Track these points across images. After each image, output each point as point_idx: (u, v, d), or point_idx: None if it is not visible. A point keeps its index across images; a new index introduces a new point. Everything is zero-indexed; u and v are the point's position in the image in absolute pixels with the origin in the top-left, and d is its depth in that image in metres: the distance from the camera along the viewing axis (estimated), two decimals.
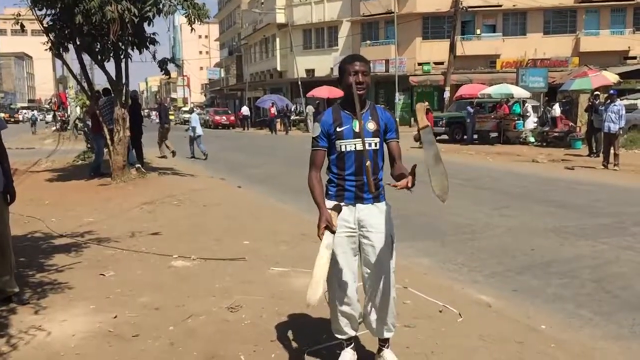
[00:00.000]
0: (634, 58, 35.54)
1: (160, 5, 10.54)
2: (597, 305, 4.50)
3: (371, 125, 3.11)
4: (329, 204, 3.16)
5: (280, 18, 45.12)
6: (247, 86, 50.05)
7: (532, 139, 21.24)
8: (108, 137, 11.00)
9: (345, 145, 3.09)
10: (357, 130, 3.08)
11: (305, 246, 6.31)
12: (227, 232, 6.99)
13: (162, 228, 7.23)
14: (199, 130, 17.59)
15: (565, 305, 4.53)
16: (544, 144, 20.38)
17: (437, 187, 2.85)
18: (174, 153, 17.28)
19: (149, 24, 11.17)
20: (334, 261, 3.17)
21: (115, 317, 4.15)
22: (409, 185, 2.83)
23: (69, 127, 28.28)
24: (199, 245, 6.34)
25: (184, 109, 61.80)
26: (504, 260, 5.83)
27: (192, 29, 11.04)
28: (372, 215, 3.13)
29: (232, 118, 44.49)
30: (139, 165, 12.01)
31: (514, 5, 36.24)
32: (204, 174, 13.43)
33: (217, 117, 44.38)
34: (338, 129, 3.09)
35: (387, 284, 3.14)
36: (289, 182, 11.92)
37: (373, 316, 3.20)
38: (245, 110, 42.35)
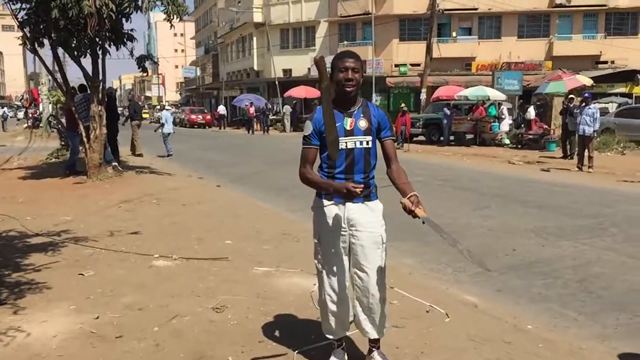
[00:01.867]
0: (606, 62, 36.17)
1: (139, 1, 10.40)
2: (581, 305, 4.54)
3: (362, 123, 3.07)
4: (319, 202, 3.12)
5: (258, 17, 44.88)
6: (223, 85, 49.73)
7: (507, 141, 21.50)
8: (84, 134, 10.79)
9: None
10: (348, 128, 3.04)
11: (288, 245, 6.29)
12: (209, 232, 6.90)
13: (141, 227, 7.10)
14: (168, 129, 17.44)
15: (550, 305, 4.56)
16: (519, 146, 20.65)
17: (475, 261, 3.10)
18: (140, 155, 17.01)
19: (126, 20, 11.02)
20: (323, 260, 3.14)
21: (97, 317, 4.05)
22: (421, 214, 2.88)
23: (41, 125, 27.72)
24: (180, 244, 6.24)
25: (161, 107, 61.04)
26: (486, 260, 5.83)
27: (171, 25, 10.89)
28: (362, 214, 3.09)
29: (209, 117, 44.16)
30: (116, 164, 11.81)
31: (489, 9, 36.62)
32: (182, 172, 13.27)
33: (193, 116, 44.02)
34: None
35: (377, 284, 3.11)
36: (269, 182, 11.86)
37: (363, 316, 3.17)
38: (221, 109, 42.06)
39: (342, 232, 3.09)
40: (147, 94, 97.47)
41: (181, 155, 18.01)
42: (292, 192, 10.42)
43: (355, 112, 3.07)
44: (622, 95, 30.94)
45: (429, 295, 4.60)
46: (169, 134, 17.41)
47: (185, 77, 77.24)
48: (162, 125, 17.54)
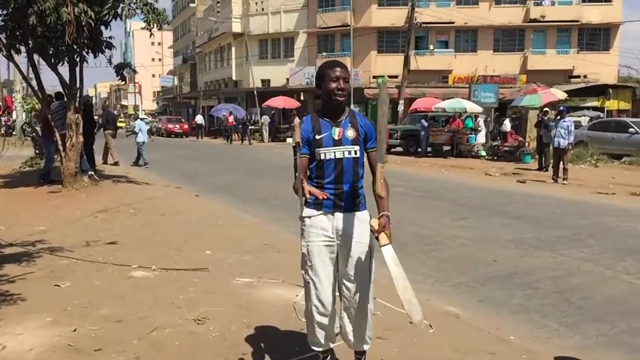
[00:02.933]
0: (578, 77, 36.91)
1: (119, 9, 10.30)
2: (562, 316, 4.57)
3: (350, 133, 3.06)
4: (308, 212, 3.10)
5: (237, 27, 44.86)
6: (201, 95, 49.45)
7: (483, 153, 21.74)
8: (60, 142, 10.61)
9: (325, 153, 3.04)
10: (336, 137, 3.03)
11: (269, 255, 6.24)
12: (188, 242, 6.82)
13: (118, 237, 6.98)
14: (142, 137, 17.34)
15: (531, 316, 4.59)
16: (495, 157, 20.90)
17: (412, 313, 2.90)
18: (116, 163, 16.83)
19: (106, 28, 10.91)
20: (311, 271, 3.10)
21: (75, 330, 3.95)
22: (383, 241, 2.90)
23: (14, 132, 27.22)
24: (159, 255, 6.15)
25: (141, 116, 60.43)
26: (467, 271, 5.89)
27: (150, 34, 10.80)
28: (351, 224, 3.08)
29: (186, 126, 43.78)
30: (92, 173, 11.63)
31: (465, 23, 37.15)
32: (159, 182, 13.11)
33: (170, 126, 43.62)
34: (317, 137, 3.04)
35: (365, 295, 3.09)
36: (247, 192, 11.80)
37: (350, 328, 3.14)
38: (199, 118, 41.80)
39: (331, 243, 3.07)
40: (124, 102, 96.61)
41: (158, 164, 17.84)
42: (271, 202, 10.40)
43: (343, 121, 3.07)
44: (594, 109, 31.61)
45: None
46: (143, 142, 17.28)
47: (162, 86, 76.72)
48: (136, 134, 17.41)
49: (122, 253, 6.21)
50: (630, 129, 19.34)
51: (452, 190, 12.20)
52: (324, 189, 3.04)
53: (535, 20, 37.57)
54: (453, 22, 37.20)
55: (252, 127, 36.46)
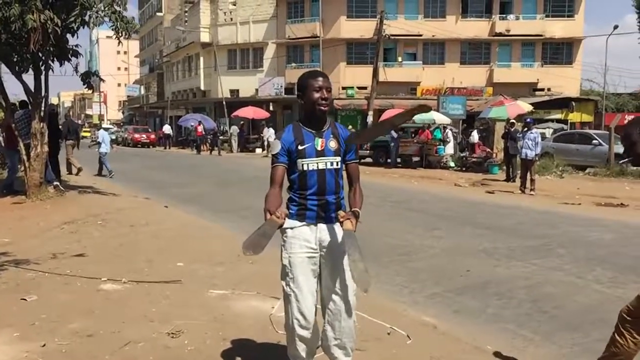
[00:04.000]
0: (542, 90, 37.79)
1: (86, 17, 10.11)
2: (537, 325, 4.61)
3: (333, 144, 3.04)
4: (290, 223, 3.05)
5: (205, 37, 44.62)
6: (169, 104, 48.92)
7: (452, 164, 21.98)
8: (24, 152, 10.33)
9: (307, 164, 3.00)
10: (319, 148, 3.00)
11: (242, 267, 6.15)
12: (159, 254, 6.67)
13: (86, 249, 6.80)
14: (105, 148, 17.07)
15: (507, 326, 4.61)
16: (463, 168, 21.16)
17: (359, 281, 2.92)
18: (79, 170, 16.50)
19: (72, 35, 10.71)
20: (293, 283, 3.05)
21: (44, 345, 3.80)
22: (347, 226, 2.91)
23: None
24: (129, 267, 6.00)
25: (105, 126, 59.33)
26: (441, 281, 5.90)
27: (119, 42, 10.64)
28: (335, 235, 3.05)
29: (153, 136, 43.20)
30: (57, 183, 11.33)
31: (433, 36, 37.71)
32: (127, 193, 12.87)
33: (137, 135, 42.95)
34: (300, 147, 3.00)
35: (348, 307, 3.05)
36: (218, 203, 11.66)
37: (332, 341, 3.09)
38: (167, 128, 41.33)
39: (314, 254, 3.03)
40: (88, 112, 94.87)
41: (125, 175, 17.54)
42: (242, 213, 10.29)
43: (326, 132, 3.05)
44: (558, 121, 32.35)
45: (387, 316, 4.57)
46: (105, 153, 17.01)
47: (128, 96, 75.66)
48: (99, 144, 17.11)
49: (90, 265, 6.04)
50: (594, 141, 19.85)
51: (423, 200, 12.28)
52: (307, 200, 3.01)
53: (500, 34, 38.39)
54: (421, 35, 37.73)
55: (222, 137, 36.24)
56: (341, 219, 2.95)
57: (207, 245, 7.21)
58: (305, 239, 3.03)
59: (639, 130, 2.97)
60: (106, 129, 23.71)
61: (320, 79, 3.00)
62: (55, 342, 3.86)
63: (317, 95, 2.97)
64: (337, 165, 3.04)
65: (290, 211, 3.07)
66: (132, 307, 4.68)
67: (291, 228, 3.06)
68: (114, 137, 49.14)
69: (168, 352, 3.77)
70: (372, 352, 3.84)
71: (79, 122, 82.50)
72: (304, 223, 3.04)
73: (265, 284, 5.35)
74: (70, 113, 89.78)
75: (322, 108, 2.99)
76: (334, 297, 3.05)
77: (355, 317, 3.16)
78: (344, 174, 3.13)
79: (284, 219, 2.95)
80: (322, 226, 3.04)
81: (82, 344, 3.86)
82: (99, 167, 17.15)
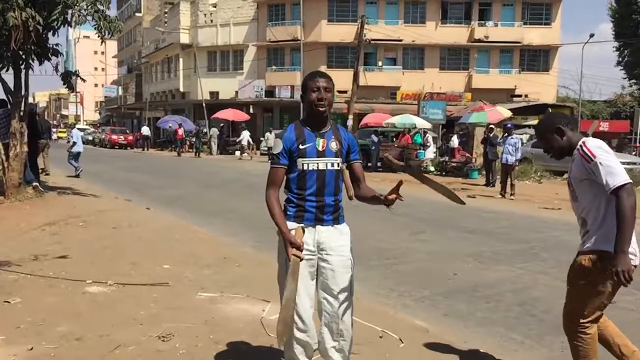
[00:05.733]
0: (520, 96, 38.31)
1: (69, 16, 9.97)
2: (526, 329, 4.64)
3: (334, 145, 3.03)
4: (288, 225, 3.02)
5: (185, 38, 44.34)
6: (147, 105, 48.46)
7: (432, 168, 22.13)
8: (2, 152, 10.12)
9: (308, 164, 2.98)
10: (320, 149, 2.99)
11: (230, 270, 6.10)
12: (144, 256, 6.57)
13: (69, 251, 6.67)
14: (79, 147, 16.90)
15: (497, 329, 4.63)
16: (443, 173, 21.30)
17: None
18: (46, 173, 16.21)
19: (53, 34, 10.54)
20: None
21: (32, 349, 3.72)
22: (393, 198, 2.96)
23: None
24: (114, 269, 5.90)
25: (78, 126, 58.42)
26: (430, 284, 5.91)
27: (102, 42, 10.51)
28: (333, 237, 3.03)
29: (131, 138, 42.70)
30: (37, 184, 11.12)
31: (413, 41, 38.02)
32: (107, 194, 12.68)
33: (115, 137, 42.44)
34: (301, 147, 2.98)
35: (346, 309, 3.04)
36: (201, 205, 11.56)
37: (330, 343, 3.07)
38: (145, 130, 40.90)
39: (311, 256, 3.00)
40: (64, 112, 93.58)
41: (104, 176, 17.31)
42: (226, 215, 10.23)
43: (327, 133, 3.03)
44: (535, 127, 32.77)
45: (379, 320, 4.56)
46: (78, 153, 16.79)
47: (105, 96, 74.78)
48: (74, 144, 16.89)
49: (74, 267, 5.93)
50: None
51: (406, 204, 12.07)
52: (305, 201, 2.99)
53: (479, 41, 38.86)
54: (401, 40, 38.02)
55: (202, 139, 36.03)
56: (390, 196, 3.00)
57: (192, 247, 7.13)
58: (303, 241, 3.00)
59: (549, 126, 3.18)
60: (81, 129, 23.42)
61: (319, 79, 2.99)
62: (43, 346, 3.77)
63: (314, 95, 2.97)
64: (338, 166, 3.04)
65: (288, 212, 3.05)
66: (120, 310, 4.60)
67: (289, 230, 3.03)
68: (90, 137, 48.61)
69: (159, 355, 3.71)
70: (365, 356, 3.83)
71: (54, 122, 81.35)
72: (301, 225, 3.01)
73: (254, 287, 5.31)
74: (45, 113, 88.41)
75: (320, 108, 2.98)
76: (332, 299, 3.03)
77: (353, 319, 3.14)
78: (346, 174, 3.12)
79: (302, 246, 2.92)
80: (321, 228, 3.02)
81: (71, 348, 3.78)
82: (75, 167, 16.83)
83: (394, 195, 2.90)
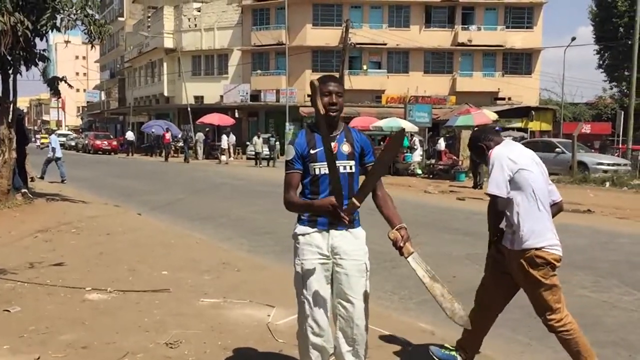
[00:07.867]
0: (503, 99, 38.70)
1: (58, 20, 9.89)
2: (530, 330, 4.68)
3: (346, 148, 3.03)
4: (302, 229, 3.02)
5: (169, 43, 44.09)
6: (131, 110, 48.09)
7: (419, 171, 22.25)
8: None
9: (320, 168, 2.98)
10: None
11: (230, 275, 6.07)
12: (141, 262, 6.52)
13: (64, 258, 6.60)
14: (59, 152, 17.10)
15: (501, 331, 4.65)
16: (431, 175, 21.43)
17: (452, 315, 3.17)
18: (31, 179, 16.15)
19: (41, 39, 10.44)
20: (306, 290, 3.01)
21: (39, 358, 3.67)
22: (408, 250, 3.06)
23: None
24: (112, 276, 5.85)
25: (60, 132, 57.68)
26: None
27: (92, 46, 10.44)
28: (347, 241, 3.03)
29: (115, 143, 42.26)
30: (25, 190, 10.99)
31: (397, 45, 38.26)
32: (96, 200, 12.57)
33: (98, 142, 41.94)
34: (312, 151, 2.98)
35: (360, 314, 3.02)
36: (192, 210, 11.49)
37: (345, 348, 3.05)
38: (130, 135, 40.54)
39: (326, 261, 3.00)
40: (45, 117, 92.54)
41: (91, 182, 17.16)
42: (219, 220, 10.19)
43: (338, 136, 3.03)
44: (519, 129, 33.15)
45: (384, 323, 4.57)
46: (59, 158, 16.89)
47: (88, 101, 74.04)
48: (54, 149, 16.96)
49: (71, 275, 5.86)
50: (557, 149, 20.37)
51: (397, 207, 12.28)
52: None
53: (462, 44, 39.21)
54: (385, 44, 38.22)
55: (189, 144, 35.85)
56: (401, 244, 3.01)
57: (189, 253, 7.09)
58: (317, 246, 3.00)
59: (474, 142, 3.87)
60: (63, 135, 23.44)
61: (330, 83, 2.99)
62: (50, 355, 3.73)
63: (325, 99, 2.96)
64: (351, 169, 3.03)
65: (302, 217, 3.04)
66: (123, 317, 4.56)
67: (303, 235, 3.03)
68: (73, 143, 48.12)
69: None
70: (375, 359, 3.83)
71: (35, 128, 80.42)
72: (315, 229, 3.01)
73: (256, 292, 5.29)
74: (26, 119, 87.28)
75: (331, 113, 2.98)
76: (347, 304, 3.02)
77: (368, 324, 3.14)
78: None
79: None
80: (334, 232, 3.01)
81: (78, 356, 3.74)
82: (60, 174, 16.72)
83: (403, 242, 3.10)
